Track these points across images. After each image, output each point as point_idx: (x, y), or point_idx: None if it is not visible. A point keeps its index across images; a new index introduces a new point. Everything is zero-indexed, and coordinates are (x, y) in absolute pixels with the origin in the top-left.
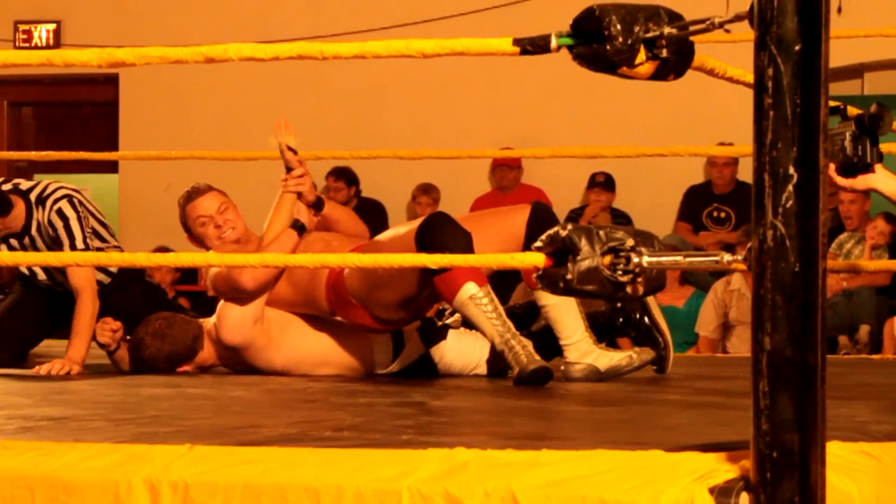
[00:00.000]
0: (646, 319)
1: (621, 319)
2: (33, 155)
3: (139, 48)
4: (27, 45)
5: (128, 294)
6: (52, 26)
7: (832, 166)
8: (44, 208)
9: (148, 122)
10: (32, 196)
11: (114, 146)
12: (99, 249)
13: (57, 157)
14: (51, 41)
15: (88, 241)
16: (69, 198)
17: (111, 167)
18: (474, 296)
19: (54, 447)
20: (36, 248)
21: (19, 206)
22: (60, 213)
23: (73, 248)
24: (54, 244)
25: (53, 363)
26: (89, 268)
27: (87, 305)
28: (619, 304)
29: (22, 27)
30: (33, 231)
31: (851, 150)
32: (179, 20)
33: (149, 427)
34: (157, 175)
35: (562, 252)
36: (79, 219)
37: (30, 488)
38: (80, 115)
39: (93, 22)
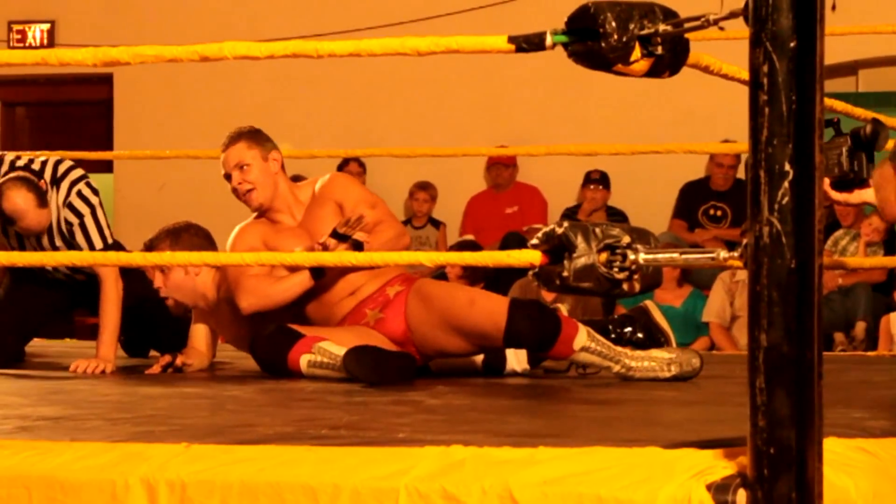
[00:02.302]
0: (639, 333)
1: (614, 335)
2: (28, 155)
3: (134, 47)
4: (21, 44)
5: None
6: (46, 26)
7: (826, 181)
8: (58, 189)
9: (142, 122)
10: (47, 176)
11: (108, 145)
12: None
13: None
14: (45, 41)
15: (111, 230)
16: (86, 180)
17: (106, 167)
18: (586, 347)
19: (51, 446)
20: (50, 234)
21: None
22: (83, 197)
23: (102, 237)
24: (77, 232)
25: (89, 362)
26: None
27: (112, 296)
28: (614, 317)
29: (16, 27)
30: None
31: (848, 165)
32: (174, 19)
33: (145, 426)
34: (151, 174)
35: (558, 249)
36: (101, 204)
37: (27, 488)
38: (74, 114)
39: (87, 21)
